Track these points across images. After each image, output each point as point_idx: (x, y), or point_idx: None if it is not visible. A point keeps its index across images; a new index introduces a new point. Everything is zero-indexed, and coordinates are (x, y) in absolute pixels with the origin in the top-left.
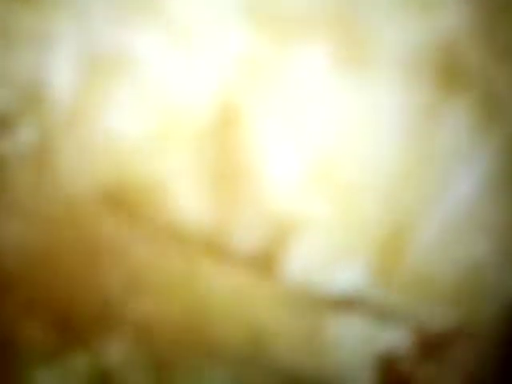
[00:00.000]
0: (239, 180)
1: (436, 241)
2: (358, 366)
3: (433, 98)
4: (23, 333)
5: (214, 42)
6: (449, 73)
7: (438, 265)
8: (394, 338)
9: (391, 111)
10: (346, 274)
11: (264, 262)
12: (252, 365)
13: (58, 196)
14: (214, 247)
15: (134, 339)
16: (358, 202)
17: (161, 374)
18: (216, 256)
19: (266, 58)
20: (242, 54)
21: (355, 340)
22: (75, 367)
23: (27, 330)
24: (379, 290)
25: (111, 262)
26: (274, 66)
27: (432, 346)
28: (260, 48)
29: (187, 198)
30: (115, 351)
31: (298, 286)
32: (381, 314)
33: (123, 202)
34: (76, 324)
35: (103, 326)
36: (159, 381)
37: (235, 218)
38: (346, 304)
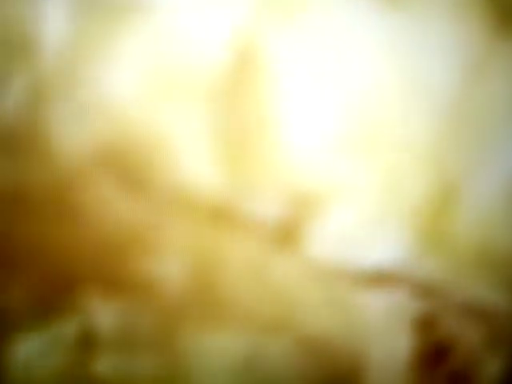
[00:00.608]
0: (257, 140)
1: (484, 211)
2: (391, 333)
3: (485, 41)
4: (7, 296)
5: None
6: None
7: (486, 234)
8: (434, 307)
9: (437, 59)
10: (383, 246)
11: (285, 233)
12: (271, 333)
13: (52, 156)
14: (225, 216)
15: (131, 303)
16: (399, 166)
17: (161, 339)
18: (227, 225)
19: None
20: None
21: (389, 310)
22: (63, 333)
23: (11, 292)
24: (420, 261)
25: (105, 225)
26: (299, 4)
27: (476, 317)
28: None
29: (195, 160)
30: (108, 315)
31: (324, 258)
32: (420, 286)
33: (124, 164)
34: (64, 286)
35: (94, 289)
36: (159, 347)
37: (251, 185)
38: (382, 276)
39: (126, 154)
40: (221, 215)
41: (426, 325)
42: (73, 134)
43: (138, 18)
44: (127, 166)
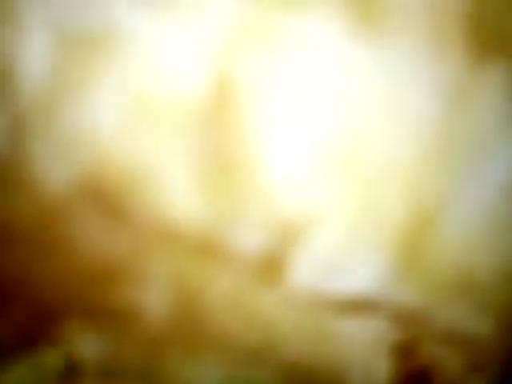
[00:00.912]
0: (238, 170)
1: (463, 236)
2: (372, 361)
3: (462, 70)
4: None
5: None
6: (480, 39)
7: (465, 260)
8: (414, 333)
9: (414, 86)
10: (363, 272)
11: (267, 262)
12: (254, 362)
13: (35, 191)
14: (207, 245)
15: (114, 333)
16: (377, 193)
17: (145, 369)
18: (209, 254)
19: (265, 25)
20: (237, 21)
21: (370, 337)
22: (46, 364)
23: None
24: (399, 288)
25: (88, 256)
26: (275, 33)
27: (456, 343)
28: (258, 13)
29: (177, 190)
30: (91, 346)
31: (304, 286)
32: (400, 312)
33: (104, 196)
34: (47, 317)
35: (77, 319)
36: (144, 377)
37: (233, 214)
38: (362, 303)
39: (108, 186)
40: (203, 245)
41: (406, 351)
42: (55, 168)
43: (117, 52)
44: (110, 198)
